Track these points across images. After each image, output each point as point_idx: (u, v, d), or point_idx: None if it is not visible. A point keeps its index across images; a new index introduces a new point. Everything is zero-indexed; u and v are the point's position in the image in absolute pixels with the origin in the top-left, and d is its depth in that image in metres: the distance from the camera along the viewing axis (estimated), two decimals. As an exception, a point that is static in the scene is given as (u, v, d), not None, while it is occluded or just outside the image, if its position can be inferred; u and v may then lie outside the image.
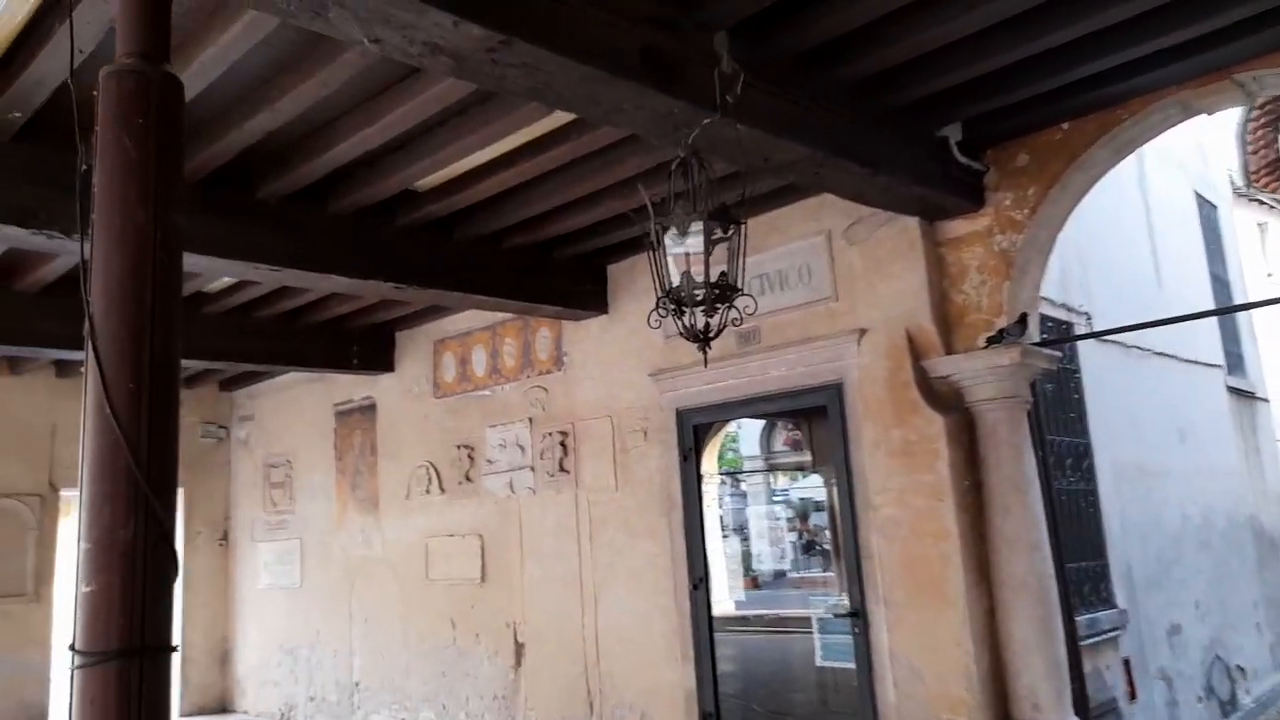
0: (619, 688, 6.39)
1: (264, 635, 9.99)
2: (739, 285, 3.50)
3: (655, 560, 6.24)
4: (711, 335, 3.48)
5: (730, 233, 3.44)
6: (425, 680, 7.90)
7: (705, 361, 3.54)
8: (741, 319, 3.59)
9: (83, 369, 6.11)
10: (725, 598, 13.78)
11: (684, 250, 3.47)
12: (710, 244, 3.36)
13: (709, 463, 13.58)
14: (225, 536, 10.72)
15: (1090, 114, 4.67)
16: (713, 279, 3.42)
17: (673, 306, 3.45)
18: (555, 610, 6.87)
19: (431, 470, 8.02)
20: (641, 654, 6.27)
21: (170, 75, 2.14)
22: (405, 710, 8.07)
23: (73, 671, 1.76)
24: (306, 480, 9.57)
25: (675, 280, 3.47)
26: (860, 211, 5.37)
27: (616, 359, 6.62)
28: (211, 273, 5.37)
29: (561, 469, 6.91)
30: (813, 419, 10.15)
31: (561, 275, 6.43)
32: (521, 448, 7.25)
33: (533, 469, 7.14)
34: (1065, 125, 4.79)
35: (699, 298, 3.40)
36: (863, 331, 5.32)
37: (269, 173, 4.83)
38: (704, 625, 5.92)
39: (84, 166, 2.06)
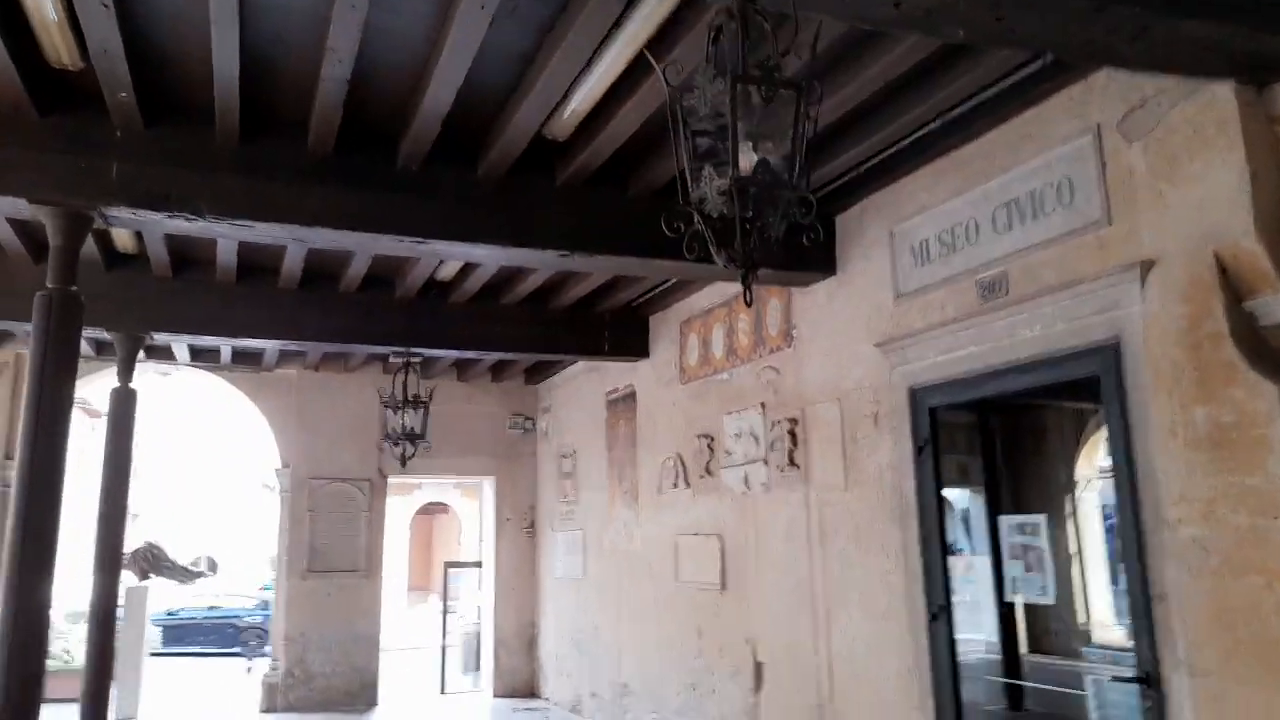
0: (851, 734, 5.16)
1: (560, 624, 10.05)
2: (794, 179, 2.32)
3: (887, 579, 4.92)
4: (756, 259, 2.35)
5: (773, 99, 2.27)
6: (678, 691, 7.22)
7: (748, 300, 2.42)
8: (818, 233, 2.40)
9: (397, 361, 6.27)
10: (1110, 621, 11.45)
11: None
12: (736, 116, 2.23)
13: (1086, 464, 11.32)
14: (532, 525, 11.02)
15: None
16: (747, 170, 2.29)
17: (697, 217, 2.37)
18: (789, 628, 5.80)
19: (679, 462, 7.34)
20: (877, 695, 4.98)
21: None
22: (661, 721, 7.47)
23: None
24: (586, 471, 9.42)
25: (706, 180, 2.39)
26: (1143, 91, 3.66)
27: (843, 329, 5.39)
28: (361, 247, 5.19)
29: (791, 462, 5.82)
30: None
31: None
32: (755, 437, 6.27)
33: (765, 462, 6.13)
34: None
35: (727, 205, 2.29)
36: (1147, 264, 3.60)
37: (400, 133, 4.49)
38: (945, 667, 4.51)
39: None
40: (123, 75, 3.74)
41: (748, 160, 2.33)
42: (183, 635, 18.31)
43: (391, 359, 7.53)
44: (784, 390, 5.99)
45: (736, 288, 6.49)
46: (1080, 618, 7.85)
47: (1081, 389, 3.98)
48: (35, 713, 3.80)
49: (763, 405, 6.19)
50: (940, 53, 3.80)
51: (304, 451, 10.19)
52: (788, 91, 2.29)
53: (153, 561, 10.30)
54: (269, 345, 8.43)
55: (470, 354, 8.28)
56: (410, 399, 7.33)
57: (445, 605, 13.01)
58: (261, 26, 3.61)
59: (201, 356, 9.35)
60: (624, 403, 8.49)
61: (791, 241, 5.50)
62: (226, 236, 4.73)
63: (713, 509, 6.79)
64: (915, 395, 4.79)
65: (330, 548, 10.09)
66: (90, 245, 5.85)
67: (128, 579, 9.49)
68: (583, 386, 9.60)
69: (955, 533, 6.97)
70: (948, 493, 6.06)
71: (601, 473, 8.94)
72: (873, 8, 2.71)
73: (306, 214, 4.45)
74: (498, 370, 10.64)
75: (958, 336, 4.49)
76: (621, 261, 5.26)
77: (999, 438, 5.86)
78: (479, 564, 12.74)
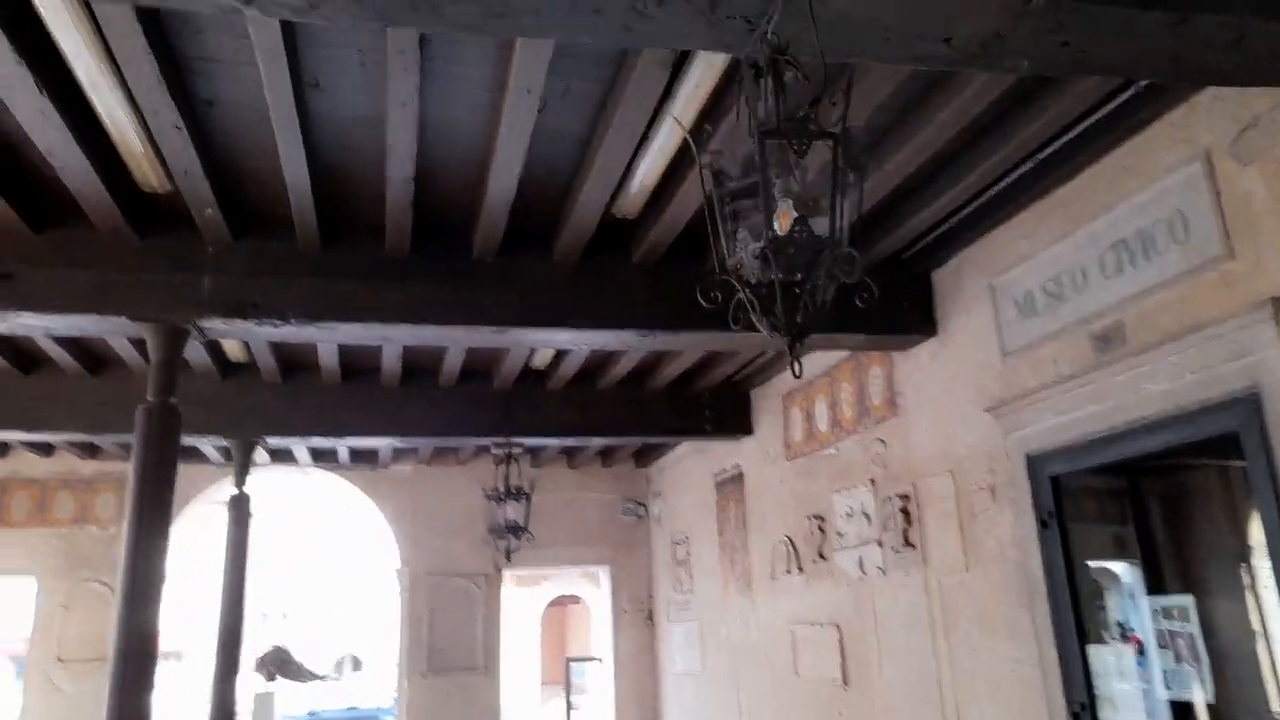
0: None
1: (682, 721, 9.61)
2: (839, 235, 2.12)
3: (1019, 670, 4.41)
4: (801, 327, 2.15)
5: (807, 151, 2.09)
6: (805, 797, 6.69)
7: (796, 371, 2.21)
8: (872, 292, 2.19)
9: (499, 452, 6.33)
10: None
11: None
12: (768, 173, 2.07)
13: (1258, 529, 10.17)
14: (650, 616, 10.70)
15: None
16: (783, 229, 2.10)
17: (734, 285, 2.20)
18: (917, 727, 5.28)
19: (790, 545, 6.96)
20: (1019, 806, 4.42)
21: None
22: (789, 829, 6.91)
23: None
24: (699, 557, 9.10)
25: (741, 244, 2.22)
26: (1254, 108, 3.29)
27: (950, 393, 5.01)
28: (441, 340, 5.22)
29: (906, 542, 5.39)
30: None
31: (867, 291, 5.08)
32: (867, 516, 5.88)
33: (879, 543, 5.71)
34: None
35: (762, 269, 2.11)
36: (1282, 300, 3.18)
37: (472, 224, 4.51)
38: (1094, 778, 3.96)
39: None
40: (205, 193, 3.92)
41: (787, 220, 2.15)
42: (322, 735, 18.61)
43: (493, 450, 7.54)
44: (893, 463, 5.60)
45: (836, 356, 6.24)
46: (1276, 706, 6.89)
47: (1226, 446, 3.51)
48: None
49: (872, 481, 5.81)
50: (1017, 88, 3.54)
51: (420, 548, 10.28)
52: (824, 143, 2.11)
53: (280, 665, 10.51)
54: (380, 443, 8.62)
55: (570, 441, 8.23)
56: (512, 490, 7.28)
57: (568, 701, 12.74)
58: (326, 134, 3.72)
59: (322, 457, 9.65)
60: (732, 483, 8.20)
61: (875, 304, 5.15)
62: (313, 339, 4.85)
63: (828, 595, 6.37)
64: (1033, 463, 4.36)
65: (449, 645, 10.03)
66: (205, 357, 6.16)
67: (257, 682, 9.66)
68: (690, 468, 9.36)
69: (1125, 612, 6.26)
70: (1113, 567, 5.45)
71: (714, 558, 8.61)
72: (921, 46, 2.51)
73: (386, 312, 4.51)
74: (606, 455, 10.53)
75: (1073, 395, 4.07)
76: (705, 337, 5.09)
77: (1153, 504, 5.28)
78: (599, 659, 12.46)
